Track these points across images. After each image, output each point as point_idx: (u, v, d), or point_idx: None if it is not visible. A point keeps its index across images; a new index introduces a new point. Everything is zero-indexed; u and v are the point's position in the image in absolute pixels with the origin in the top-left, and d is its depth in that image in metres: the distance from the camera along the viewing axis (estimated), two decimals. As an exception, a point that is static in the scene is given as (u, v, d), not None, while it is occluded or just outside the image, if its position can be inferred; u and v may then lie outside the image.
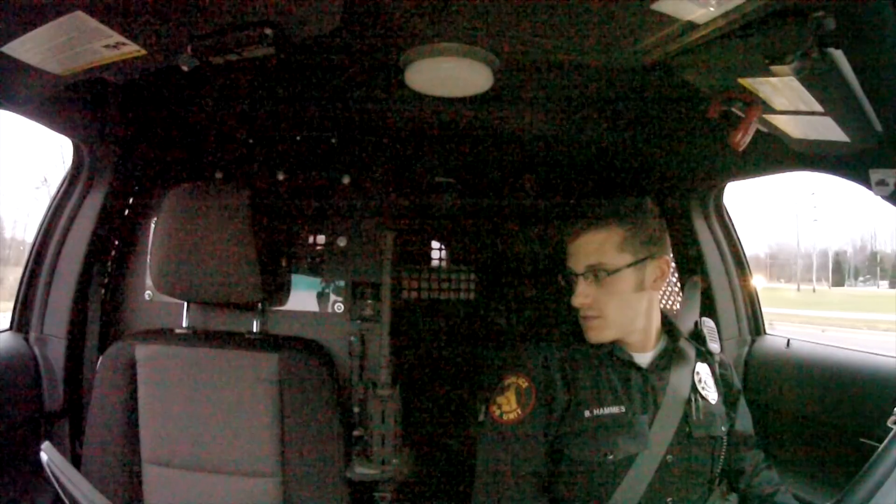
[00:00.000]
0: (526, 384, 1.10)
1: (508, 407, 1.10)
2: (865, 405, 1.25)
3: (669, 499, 1.08)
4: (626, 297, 1.11)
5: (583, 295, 1.11)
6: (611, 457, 1.05)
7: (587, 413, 1.07)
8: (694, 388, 1.13)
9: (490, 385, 1.18)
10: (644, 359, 1.14)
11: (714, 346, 1.23)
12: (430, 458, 1.47)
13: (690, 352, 1.18)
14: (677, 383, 1.13)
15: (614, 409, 1.08)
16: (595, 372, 1.11)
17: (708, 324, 1.26)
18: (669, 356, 1.15)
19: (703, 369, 1.17)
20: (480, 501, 1.10)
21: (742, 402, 1.24)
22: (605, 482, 1.06)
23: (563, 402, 1.08)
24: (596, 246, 1.11)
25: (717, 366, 1.21)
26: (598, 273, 1.10)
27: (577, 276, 1.12)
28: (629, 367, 1.12)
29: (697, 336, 1.23)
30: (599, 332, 1.12)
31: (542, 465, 1.09)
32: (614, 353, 1.12)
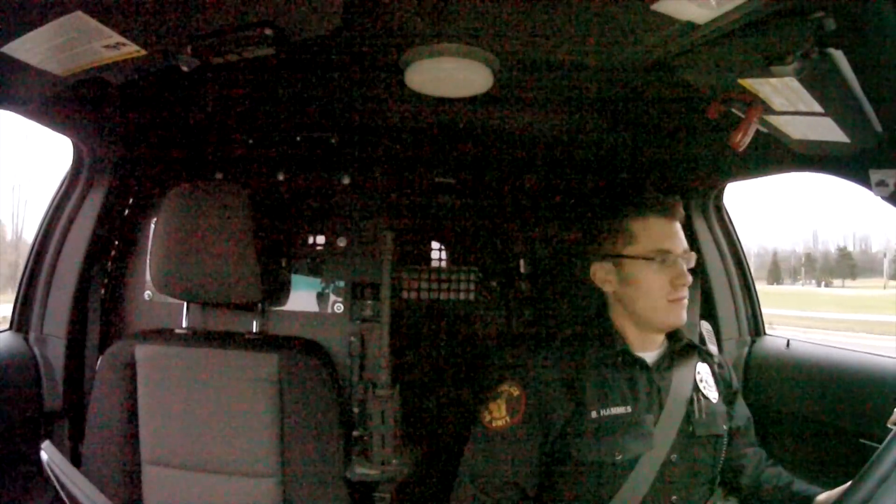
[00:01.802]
0: (517, 392, 1.10)
1: (498, 414, 1.10)
2: (865, 405, 1.25)
3: (674, 497, 1.08)
4: None
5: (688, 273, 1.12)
6: (619, 457, 1.06)
7: (593, 414, 1.07)
8: (696, 388, 1.14)
9: (487, 385, 1.18)
10: (649, 358, 1.15)
11: (713, 347, 1.25)
12: (430, 458, 1.46)
13: (692, 352, 1.19)
14: (680, 383, 1.13)
15: (621, 410, 1.08)
16: (601, 373, 1.10)
17: (706, 327, 1.30)
18: (671, 356, 1.16)
19: (703, 369, 1.19)
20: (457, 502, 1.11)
21: (740, 399, 1.25)
22: (610, 482, 1.06)
23: (565, 406, 1.08)
24: (682, 232, 1.15)
25: (715, 365, 1.22)
26: (687, 255, 1.13)
27: (677, 254, 1.12)
28: (637, 367, 1.12)
29: (698, 336, 1.24)
30: (685, 313, 1.12)
31: (527, 474, 1.08)
32: (626, 353, 1.12)
